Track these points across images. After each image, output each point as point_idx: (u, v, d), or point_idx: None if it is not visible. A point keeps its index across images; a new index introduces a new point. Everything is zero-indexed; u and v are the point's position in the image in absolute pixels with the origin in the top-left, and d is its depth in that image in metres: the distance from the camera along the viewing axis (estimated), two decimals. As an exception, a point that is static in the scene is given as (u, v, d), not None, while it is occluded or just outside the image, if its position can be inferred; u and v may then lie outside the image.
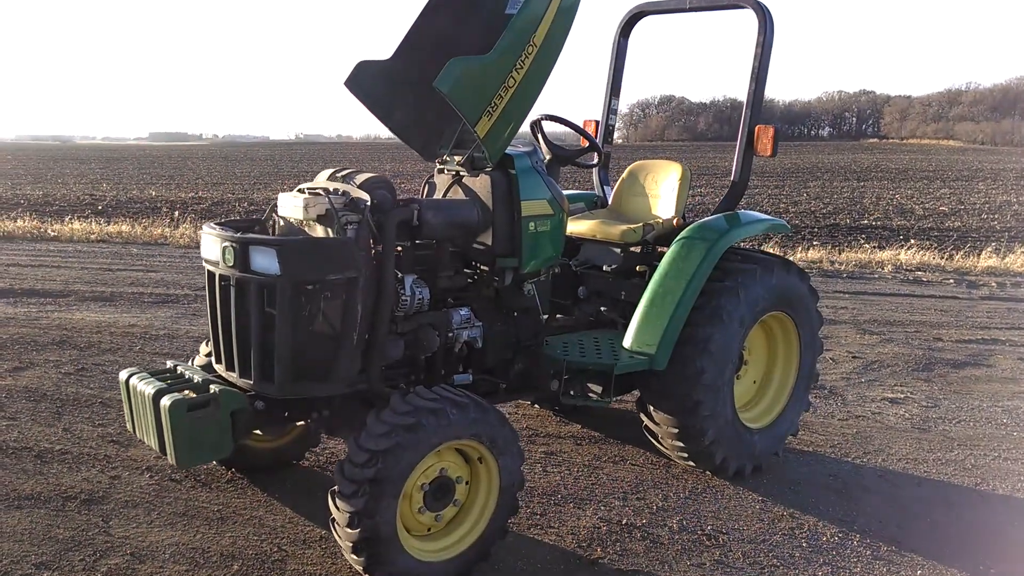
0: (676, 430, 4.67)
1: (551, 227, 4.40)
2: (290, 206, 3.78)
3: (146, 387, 3.53)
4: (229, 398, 3.50)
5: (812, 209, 22.72)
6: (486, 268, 4.36)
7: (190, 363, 4.22)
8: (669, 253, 4.71)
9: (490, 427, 3.56)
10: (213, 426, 3.44)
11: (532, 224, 4.30)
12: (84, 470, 4.69)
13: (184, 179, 35.47)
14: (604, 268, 5.14)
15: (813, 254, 13.96)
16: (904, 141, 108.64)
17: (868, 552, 4.19)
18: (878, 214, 21.76)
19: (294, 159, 56.13)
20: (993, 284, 12.03)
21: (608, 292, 5.19)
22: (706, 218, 4.94)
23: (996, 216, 21.57)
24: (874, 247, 15.25)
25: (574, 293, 5.31)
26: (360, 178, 3.94)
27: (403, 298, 3.93)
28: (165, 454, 3.43)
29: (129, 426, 3.74)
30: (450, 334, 4.19)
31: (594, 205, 5.84)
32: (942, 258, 13.99)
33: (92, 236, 14.26)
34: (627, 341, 4.60)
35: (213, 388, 3.52)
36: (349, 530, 3.31)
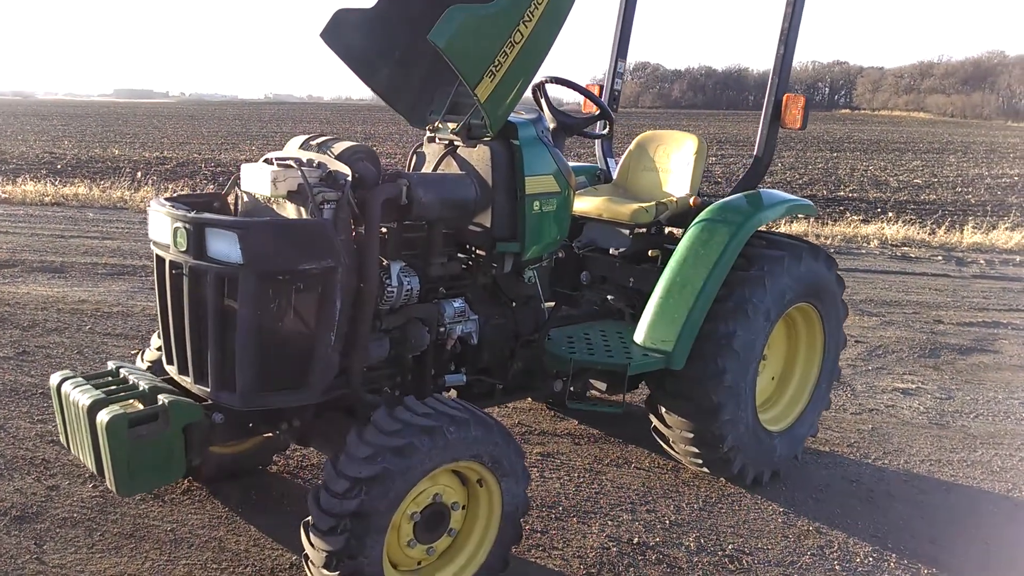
0: (691, 435, 4.18)
1: (557, 206, 3.85)
2: (256, 180, 3.18)
3: (81, 396, 2.94)
4: (180, 411, 2.92)
5: (788, 180, 22.32)
6: (483, 253, 3.80)
7: (138, 361, 3.62)
8: (687, 237, 4.18)
9: (493, 446, 3.02)
10: (161, 445, 2.86)
11: (536, 203, 3.75)
12: (17, 478, 4.09)
13: (149, 138, 34.22)
14: (611, 251, 4.60)
15: (797, 227, 13.55)
16: (876, 112, 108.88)
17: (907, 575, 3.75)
18: (853, 186, 21.46)
19: (263, 119, 54.73)
20: (982, 261, 11.81)
21: (615, 278, 4.65)
22: (727, 198, 4.41)
23: (970, 190, 21.37)
24: (860, 221, 14.92)
25: (576, 279, 4.77)
26: (338, 147, 3.35)
27: (389, 289, 3.36)
28: (103, 477, 2.86)
29: (63, 439, 3.15)
30: (442, 329, 3.64)
31: (597, 179, 5.28)
32: (927, 233, 13.74)
33: (46, 199, 13.40)
34: (639, 336, 4.07)
35: (162, 399, 2.93)
36: (326, 572, 2.77)
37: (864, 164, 29.08)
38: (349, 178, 3.12)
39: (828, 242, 12.72)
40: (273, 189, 3.10)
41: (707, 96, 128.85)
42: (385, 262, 3.41)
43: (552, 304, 4.53)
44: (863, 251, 12.31)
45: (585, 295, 4.76)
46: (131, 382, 3.10)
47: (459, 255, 3.82)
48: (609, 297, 4.67)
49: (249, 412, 3.15)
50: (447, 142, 3.86)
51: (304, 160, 3.29)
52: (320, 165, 3.24)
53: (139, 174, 17.11)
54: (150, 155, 25.27)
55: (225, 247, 2.92)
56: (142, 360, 3.71)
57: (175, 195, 3.36)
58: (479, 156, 3.69)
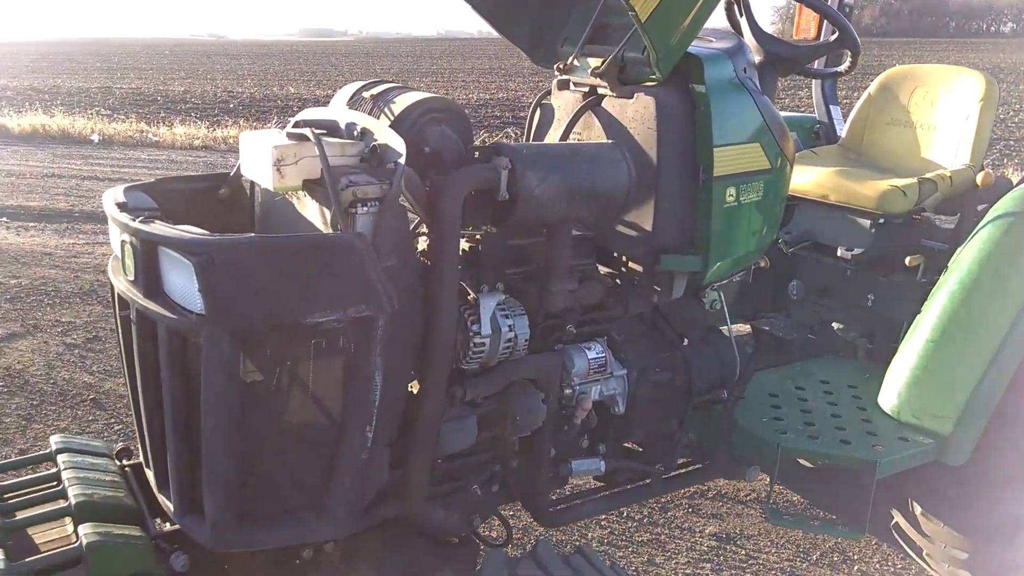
0: (968, 558, 2.61)
1: (765, 192, 2.36)
2: (255, 162, 1.91)
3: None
4: (109, 559, 1.74)
5: (1002, 118, 18.51)
6: (638, 270, 2.36)
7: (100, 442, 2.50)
8: (980, 240, 2.55)
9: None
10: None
11: (731, 189, 2.27)
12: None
13: (325, 76, 34.31)
14: (839, 251, 3.02)
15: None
16: None
17: None
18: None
19: (434, 56, 54.34)
20: None
21: (844, 293, 3.09)
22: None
23: None
24: None
25: (781, 290, 3.24)
26: (402, 102, 2.03)
27: (477, 340, 2.03)
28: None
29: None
30: (568, 391, 2.28)
31: (814, 139, 3.65)
32: None
33: (196, 142, 12.98)
34: (889, 400, 2.53)
35: (85, 532, 1.76)
36: None
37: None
38: (402, 159, 1.79)
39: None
40: (278, 180, 1.81)
41: (902, 23, 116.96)
42: (471, 295, 2.06)
43: (744, 330, 3.04)
44: None
45: (793, 314, 3.22)
46: (64, 483, 1.95)
47: (599, 273, 2.41)
48: (835, 325, 3.09)
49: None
50: (586, 89, 2.43)
51: (342, 123, 1.98)
52: (363, 134, 1.92)
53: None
54: (322, 93, 24.97)
55: (181, 283, 1.69)
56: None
57: (159, 179, 2.15)
58: (638, 112, 2.25)
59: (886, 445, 2.41)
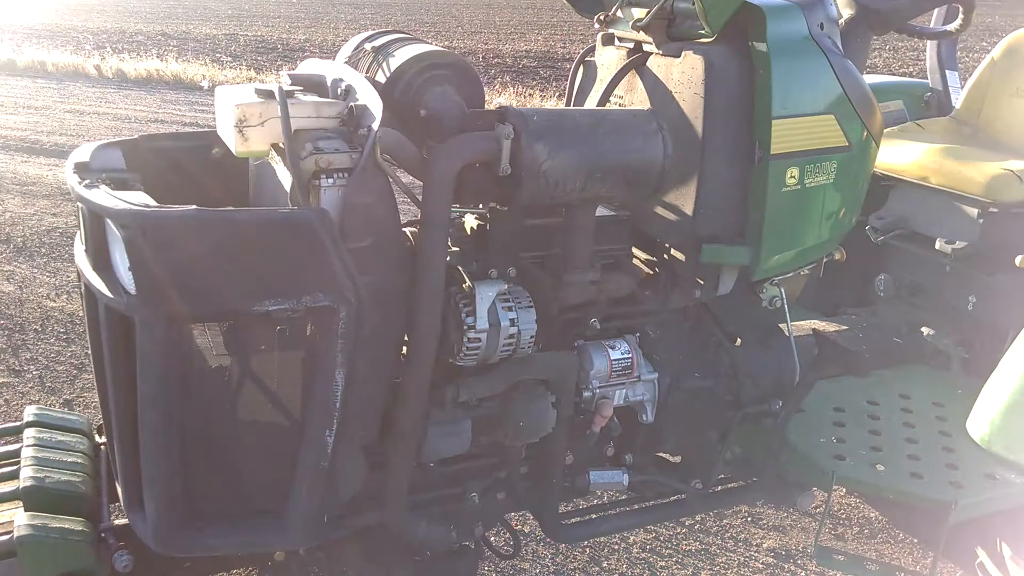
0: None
1: (839, 175, 1.99)
2: (223, 121, 1.68)
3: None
4: (42, 556, 1.58)
5: None
6: (680, 258, 2.03)
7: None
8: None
9: None
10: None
11: (792, 171, 1.91)
12: None
13: (445, 26, 33.92)
14: (937, 243, 2.57)
15: None
16: None
17: None
18: None
19: (555, 7, 53.32)
20: None
21: (940, 292, 2.65)
22: None
23: None
24: None
25: (866, 284, 2.82)
26: (402, 55, 1.76)
27: (471, 335, 1.76)
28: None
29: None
30: (587, 394, 1.99)
31: (924, 108, 3.16)
32: None
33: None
34: (980, 427, 2.13)
35: (19, 524, 1.60)
36: None
37: None
38: (376, 122, 1.52)
39: None
40: (241, 143, 1.57)
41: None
42: (467, 283, 1.79)
43: (810, 329, 2.65)
44: None
45: (878, 315, 2.80)
46: (17, 465, 1.81)
47: (633, 261, 2.09)
48: (925, 330, 2.65)
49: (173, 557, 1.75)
50: (631, 46, 2.09)
51: (329, 80, 1.74)
52: (347, 93, 1.67)
53: None
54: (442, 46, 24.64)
55: (119, 259, 1.49)
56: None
57: (142, 136, 1.95)
58: (684, 74, 1.91)
59: (968, 483, 2.02)
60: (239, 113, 1.56)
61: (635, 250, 2.15)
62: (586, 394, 2.00)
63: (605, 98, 2.11)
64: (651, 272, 2.11)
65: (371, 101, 1.58)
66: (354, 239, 1.55)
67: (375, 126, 1.52)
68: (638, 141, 1.77)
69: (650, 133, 1.79)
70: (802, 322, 2.72)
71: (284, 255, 1.46)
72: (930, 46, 3.26)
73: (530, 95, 11.43)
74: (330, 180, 1.51)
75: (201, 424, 1.58)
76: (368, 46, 1.91)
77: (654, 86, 2.00)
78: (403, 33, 1.93)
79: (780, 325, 2.32)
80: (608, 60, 2.17)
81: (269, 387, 1.58)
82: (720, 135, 1.87)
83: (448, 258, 1.76)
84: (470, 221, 1.92)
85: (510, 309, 1.80)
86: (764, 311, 2.24)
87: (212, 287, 1.45)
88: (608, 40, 2.18)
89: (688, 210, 1.92)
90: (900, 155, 2.69)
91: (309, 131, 1.59)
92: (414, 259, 1.65)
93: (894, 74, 3.04)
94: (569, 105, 2.34)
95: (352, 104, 1.60)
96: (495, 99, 11.47)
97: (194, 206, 1.45)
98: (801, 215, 1.97)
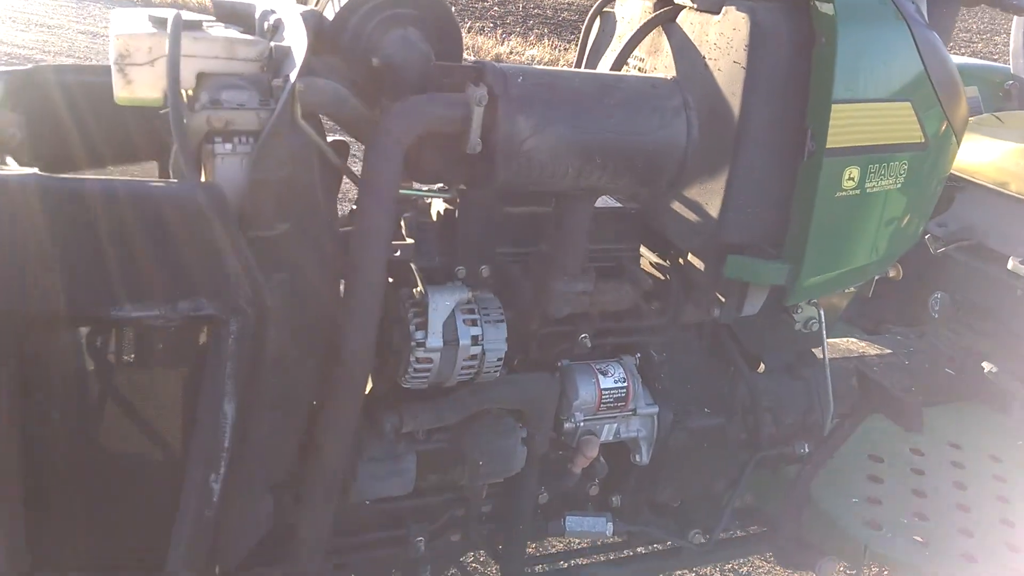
0: None
1: (909, 179, 1.57)
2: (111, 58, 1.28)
3: None
4: None
5: None
6: (698, 265, 1.62)
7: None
8: None
9: None
10: None
11: (853, 170, 1.49)
12: None
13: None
14: (1012, 263, 2.14)
15: None
16: None
17: None
18: None
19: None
20: None
21: (1008, 319, 2.23)
22: None
23: None
24: None
25: (918, 302, 2.39)
26: None
27: (420, 354, 1.37)
28: None
29: None
30: (568, 425, 1.60)
31: (1001, 98, 2.69)
32: None
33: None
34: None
35: None
36: None
37: None
38: (295, 70, 1.12)
39: None
40: (123, 87, 1.18)
41: None
42: (418, 288, 1.39)
43: (847, 349, 2.25)
44: None
45: (929, 339, 2.37)
46: None
47: (639, 265, 1.69)
48: (986, 365, 2.22)
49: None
50: (656, 1, 1.67)
51: (259, 11, 1.34)
52: (276, 27, 1.27)
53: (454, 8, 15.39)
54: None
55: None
56: None
57: (36, 66, 1.56)
58: (723, 37, 1.48)
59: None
60: (120, 46, 1.16)
61: (643, 249, 1.75)
62: (567, 426, 1.61)
63: (622, 60, 1.69)
64: (661, 277, 1.71)
65: (296, 40, 1.18)
66: (260, 225, 1.16)
67: (294, 75, 1.12)
68: (655, 119, 1.36)
69: (672, 109, 1.37)
70: (837, 339, 2.31)
71: (154, 244, 1.08)
72: (1017, 25, 2.78)
73: (565, 49, 10.87)
74: (228, 145, 1.12)
75: (58, 457, 1.21)
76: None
77: (683, 49, 1.57)
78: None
79: (813, 349, 1.92)
80: (630, 12, 1.74)
81: (134, 417, 1.21)
82: (762, 118, 1.45)
83: (399, 252, 1.37)
84: (437, 204, 1.53)
85: (474, 323, 1.42)
86: (795, 333, 1.84)
87: (54, 281, 1.07)
88: (632, -13, 1.75)
89: (713, 210, 1.51)
90: (973, 152, 2.25)
91: (215, 76, 1.19)
92: (347, 251, 1.26)
93: (959, 54, 2.52)
94: (580, 65, 1.92)
95: (274, 45, 1.20)
96: (528, 51, 10.94)
97: (35, 170, 1.06)
98: (856, 227, 1.55)
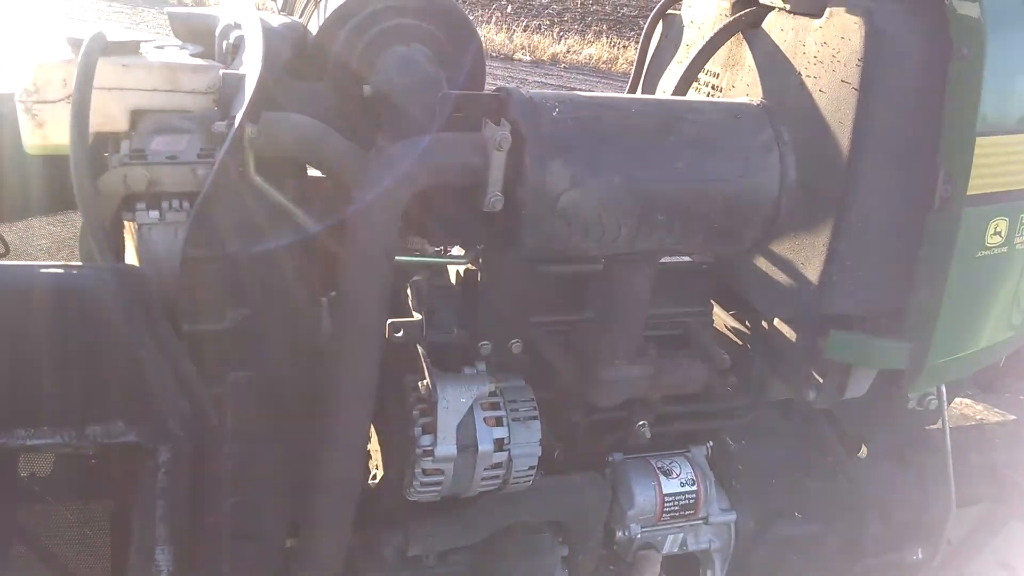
0: None
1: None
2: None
3: None
4: None
5: None
6: (789, 335, 1.27)
7: None
8: None
9: None
10: None
11: (999, 223, 1.13)
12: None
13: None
14: None
15: None
16: None
17: None
18: None
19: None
20: None
21: None
22: None
23: None
24: None
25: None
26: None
27: (426, 465, 1.06)
28: None
29: None
30: (621, 533, 1.27)
31: None
32: None
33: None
34: None
35: None
36: None
37: None
38: (242, 108, 0.82)
39: None
40: (32, 131, 0.89)
41: None
42: (425, 381, 1.08)
43: (962, 414, 1.86)
44: None
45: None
46: None
47: (712, 337, 1.34)
48: None
49: None
50: (735, 0, 1.32)
51: (220, 25, 1.04)
52: (236, 47, 0.97)
53: (509, 8, 14.60)
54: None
55: None
56: None
57: None
58: (827, 47, 1.13)
59: None
60: (29, 80, 0.88)
61: (716, 308, 1.41)
62: (620, 535, 1.29)
63: (691, 76, 1.35)
64: (739, 344, 1.37)
65: (251, 64, 0.88)
66: (204, 316, 0.87)
67: (239, 117, 0.82)
68: (738, 160, 1.02)
69: (760, 146, 1.03)
70: (964, 402, 1.94)
71: (53, 351, 0.79)
72: None
73: (625, 47, 10.43)
74: (154, 213, 0.83)
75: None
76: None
77: (771, 63, 1.23)
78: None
79: (929, 427, 1.55)
80: (701, 15, 1.40)
81: (63, 561, 0.92)
82: (880, 155, 1.10)
83: (402, 332, 1.07)
84: (454, 268, 1.21)
85: (498, 422, 1.10)
86: (909, 412, 1.48)
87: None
88: (704, -17, 1.41)
89: (812, 272, 1.16)
90: None
91: (154, 115, 0.90)
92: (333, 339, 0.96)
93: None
94: (638, 81, 1.58)
95: (224, 72, 0.90)
96: (585, 50, 10.54)
97: None
98: (1001, 294, 1.19)
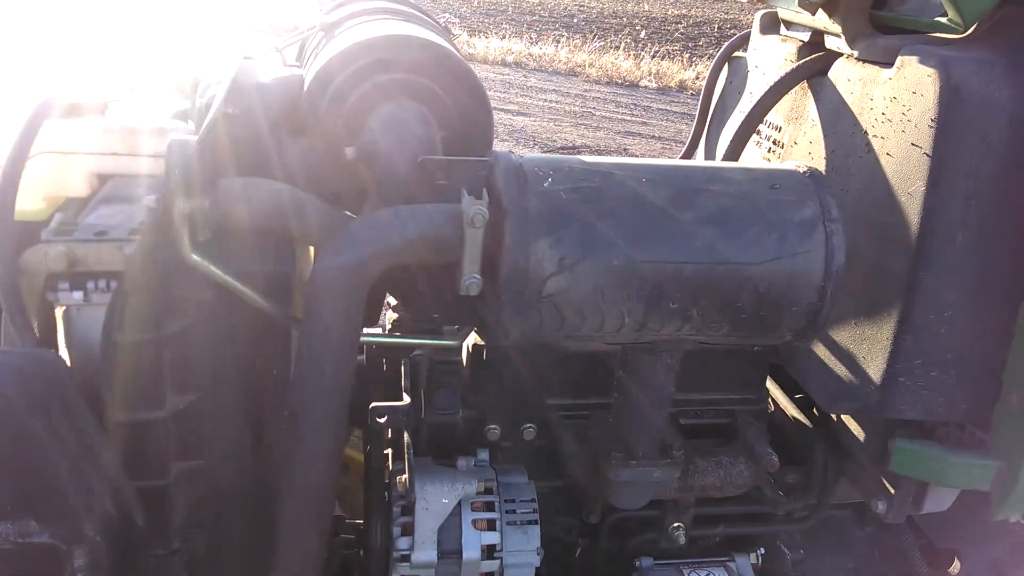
0: None
1: None
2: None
3: None
4: None
5: None
6: (856, 433, 1.08)
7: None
8: None
9: None
10: None
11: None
12: None
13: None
14: None
15: None
16: None
17: None
18: None
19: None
20: None
21: None
22: None
23: None
24: None
25: None
26: (345, 41, 0.95)
27: (404, 570, 0.94)
28: None
29: None
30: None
31: None
32: None
33: (509, 57, 12.20)
34: None
35: None
36: None
37: None
38: (147, 196, 0.74)
39: None
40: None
41: None
42: (403, 476, 0.96)
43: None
44: None
45: None
46: None
47: (762, 428, 1.16)
48: None
49: None
50: (806, 37, 1.15)
51: (201, 71, 0.98)
52: (209, 104, 0.90)
53: (643, 33, 14.66)
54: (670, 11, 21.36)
55: None
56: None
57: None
58: (896, 101, 0.95)
59: None
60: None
61: (778, 392, 1.23)
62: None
63: (749, 128, 1.18)
64: (802, 434, 1.18)
65: (205, 128, 0.80)
66: (138, 404, 0.78)
67: (151, 200, 0.74)
68: (771, 241, 0.85)
69: (801, 225, 0.86)
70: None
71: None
72: None
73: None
74: (78, 294, 0.75)
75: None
76: (329, 19, 1.12)
77: (835, 117, 1.05)
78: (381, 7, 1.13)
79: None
80: (767, 59, 1.23)
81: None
82: (958, 233, 0.91)
83: (386, 418, 0.96)
84: (450, 343, 1.09)
85: (490, 526, 0.97)
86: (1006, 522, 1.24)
87: None
88: (770, 26, 1.24)
89: (874, 370, 0.97)
90: None
91: (116, 183, 0.84)
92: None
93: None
94: (702, 130, 1.42)
95: (172, 139, 0.82)
96: (623, 62, 10.00)
97: None
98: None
